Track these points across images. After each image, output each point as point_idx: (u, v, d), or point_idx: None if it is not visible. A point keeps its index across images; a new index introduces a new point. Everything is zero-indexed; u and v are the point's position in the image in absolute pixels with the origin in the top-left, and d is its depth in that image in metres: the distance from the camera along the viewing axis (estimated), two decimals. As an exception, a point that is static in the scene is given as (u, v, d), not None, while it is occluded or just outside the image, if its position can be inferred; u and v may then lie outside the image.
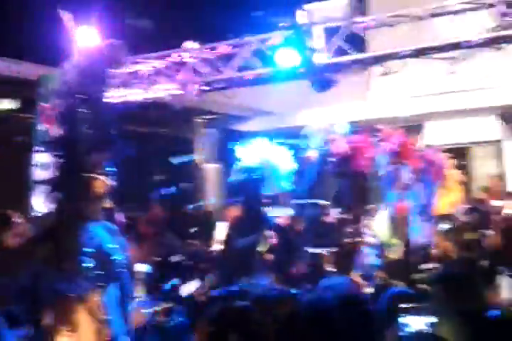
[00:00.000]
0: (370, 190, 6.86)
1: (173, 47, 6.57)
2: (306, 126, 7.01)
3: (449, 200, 7.74)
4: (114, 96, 6.59)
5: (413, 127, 10.44)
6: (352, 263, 5.67)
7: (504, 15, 5.11)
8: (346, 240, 6.06)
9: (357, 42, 6.16)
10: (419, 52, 5.72)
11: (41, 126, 5.74)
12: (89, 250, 2.64)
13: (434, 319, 2.11)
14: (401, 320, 2.17)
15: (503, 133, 10.74)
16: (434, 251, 6.29)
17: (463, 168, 10.59)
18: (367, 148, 6.35)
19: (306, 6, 5.85)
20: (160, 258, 4.96)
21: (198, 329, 2.13)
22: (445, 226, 6.79)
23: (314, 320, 1.82)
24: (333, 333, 1.77)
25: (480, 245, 6.09)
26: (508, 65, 9.36)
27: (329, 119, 8.29)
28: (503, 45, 5.79)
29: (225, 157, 10.14)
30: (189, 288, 3.55)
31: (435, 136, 10.94)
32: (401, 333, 2.18)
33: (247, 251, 4.58)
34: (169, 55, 6.58)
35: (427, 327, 2.08)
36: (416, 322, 2.08)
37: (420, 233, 6.94)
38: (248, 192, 4.63)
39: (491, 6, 5.11)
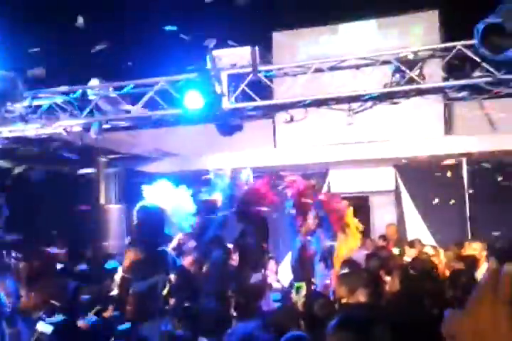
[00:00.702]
0: (270, 234, 6.91)
1: (76, 83, 6.43)
2: (211, 169, 7.02)
3: (348, 247, 7.90)
4: (10, 130, 6.32)
5: (318, 175, 10.75)
6: (255, 308, 5.60)
7: (398, 71, 5.45)
8: (251, 284, 6.01)
9: (262, 89, 6.34)
10: (320, 103, 5.95)
11: None
12: None
13: None
14: None
15: (398, 183, 11.29)
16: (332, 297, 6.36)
17: (363, 215, 10.96)
18: (266, 193, 6.43)
19: (214, 52, 5.96)
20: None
21: None
22: (344, 271, 6.91)
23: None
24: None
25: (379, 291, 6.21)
26: (401, 119, 9.97)
27: (235, 164, 8.36)
28: (400, 99, 6.17)
29: (127, 197, 9.91)
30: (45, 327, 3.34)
31: (339, 183, 11.32)
32: None
33: (146, 294, 4.39)
34: (73, 91, 6.42)
35: None
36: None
37: (322, 277, 7.04)
38: (149, 234, 4.49)
39: (386, 63, 5.43)
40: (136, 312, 4.25)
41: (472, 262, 6.46)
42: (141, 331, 4.20)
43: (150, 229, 4.50)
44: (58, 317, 3.61)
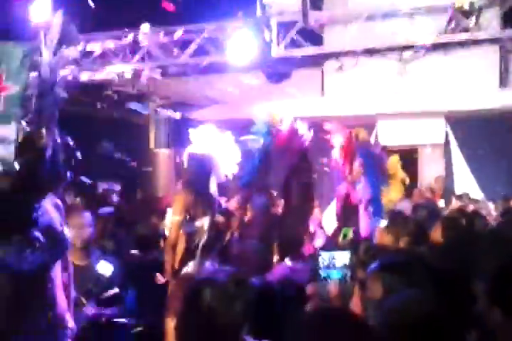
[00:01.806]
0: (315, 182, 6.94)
1: (127, 29, 6.51)
2: (258, 118, 7.04)
3: (389, 198, 7.93)
4: (64, 74, 6.49)
5: (366, 126, 10.63)
6: (298, 254, 5.74)
7: (451, 20, 5.28)
8: (293, 231, 6.13)
9: (313, 37, 6.26)
10: (371, 52, 5.85)
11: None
12: (41, 225, 2.61)
13: None
14: None
15: (449, 136, 11.10)
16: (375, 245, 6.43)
17: (412, 168, 10.88)
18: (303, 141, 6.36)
19: (264, -1, 5.89)
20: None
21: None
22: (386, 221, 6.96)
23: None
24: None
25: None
26: (455, 70, 9.65)
27: (283, 113, 8.35)
28: (454, 49, 6.00)
29: (176, 143, 10.11)
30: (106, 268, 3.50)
31: (387, 135, 11.19)
32: None
33: (195, 234, 4.61)
34: (125, 36, 6.51)
35: None
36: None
37: (367, 225, 7.13)
38: (199, 177, 4.64)
39: (441, 11, 5.27)
40: (187, 251, 4.47)
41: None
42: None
43: (200, 175, 4.64)
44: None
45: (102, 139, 9.07)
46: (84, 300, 3.34)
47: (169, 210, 5.11)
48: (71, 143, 2.76)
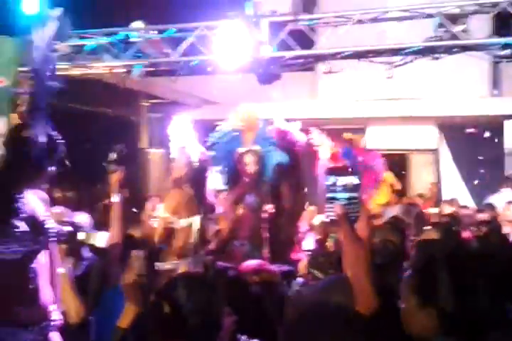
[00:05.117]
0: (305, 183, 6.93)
1: (118, 26, 6.53)
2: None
3: (378, 202, 7.95)
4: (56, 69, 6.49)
5: (357, 130, 10.68)
6: (287, 256, 5.74)
7: (441, 26, 5.32)
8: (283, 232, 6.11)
9: (304, 38, 6.28)
10: (360, 54, 5.89)
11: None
12: (23, 215, 2.61)
13: None
14: None
15: (439, 142, 11.15)
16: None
17: (401, 174, 10.92)
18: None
19: (254, -2, 5.90)
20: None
21: None
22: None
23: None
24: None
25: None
26: (445, 76, 9.71)
27: (276, 115, 8.37)
28: (441, 55, 6.04)
29: (167, 143, 10.09)
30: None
31: (376, 140, 11.24)
32: None
33: (186, 231, 4.63)
34: (116, 33, 6.53)
35: None
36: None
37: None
38: (189, 174, 4.67)
39: (430, 16, 5.31)
40: (180, 248, 4.49)
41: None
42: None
43: (191, 171, 4.67)
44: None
45: (92, 136, 9.09)
46: None
47: (159, 206, 5.13)
48: (57, 137, 2.77)
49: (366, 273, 1.51)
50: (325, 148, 6.46)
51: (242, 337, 2.20)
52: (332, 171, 1.66)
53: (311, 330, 1.32)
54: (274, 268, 3.30)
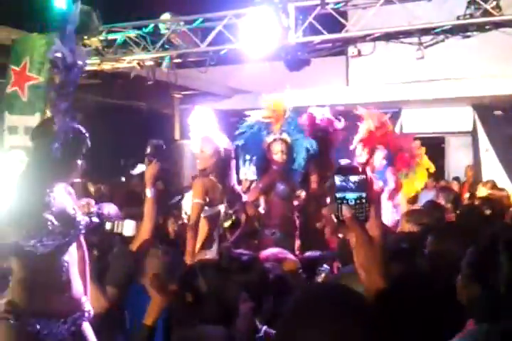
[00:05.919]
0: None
1: (146, 18, 6.58)
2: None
3: (413, 187, 7.85)
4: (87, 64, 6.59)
5: (391, 114, 10.54)
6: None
7: (472, 3, 5.20)
8: (314, 220, 6.10)
9: (332, 23, 6.22)
10: (390, 36, 5.80)
11: (10, 90, 5.75)
12: (54, 209, 2.67)
13: None
14: None
15: (476, 123, 10.91)
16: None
17: (438, 157, 10.75)
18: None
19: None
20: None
21: None
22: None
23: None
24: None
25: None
26: (478, 55, 9.48)
27: (308, 102, 8.33)
28: (473, 33, 5.90)
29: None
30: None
31: (412, 123, 11.08)
32: None
33: (214, 219, 4.68)
34: (145, 26, 6.59)
35: None
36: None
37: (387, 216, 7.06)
38: (217, 163, 4.70)
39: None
40: (208, 235, 4.54)
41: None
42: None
43: (222, 162, 4.70)
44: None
45: (125, 130, 9.21)
46: None
47: (188, 194, 5.17)
48: (83, 130, 2.80)
49: (379, 273, 1.47)
50: (368, 123, 6.35)
51: (264, 327, 2.21)
52: (341, 170, 1.64)
53: (312, 311, 1.24)
54: (292, 256, 3.28)
